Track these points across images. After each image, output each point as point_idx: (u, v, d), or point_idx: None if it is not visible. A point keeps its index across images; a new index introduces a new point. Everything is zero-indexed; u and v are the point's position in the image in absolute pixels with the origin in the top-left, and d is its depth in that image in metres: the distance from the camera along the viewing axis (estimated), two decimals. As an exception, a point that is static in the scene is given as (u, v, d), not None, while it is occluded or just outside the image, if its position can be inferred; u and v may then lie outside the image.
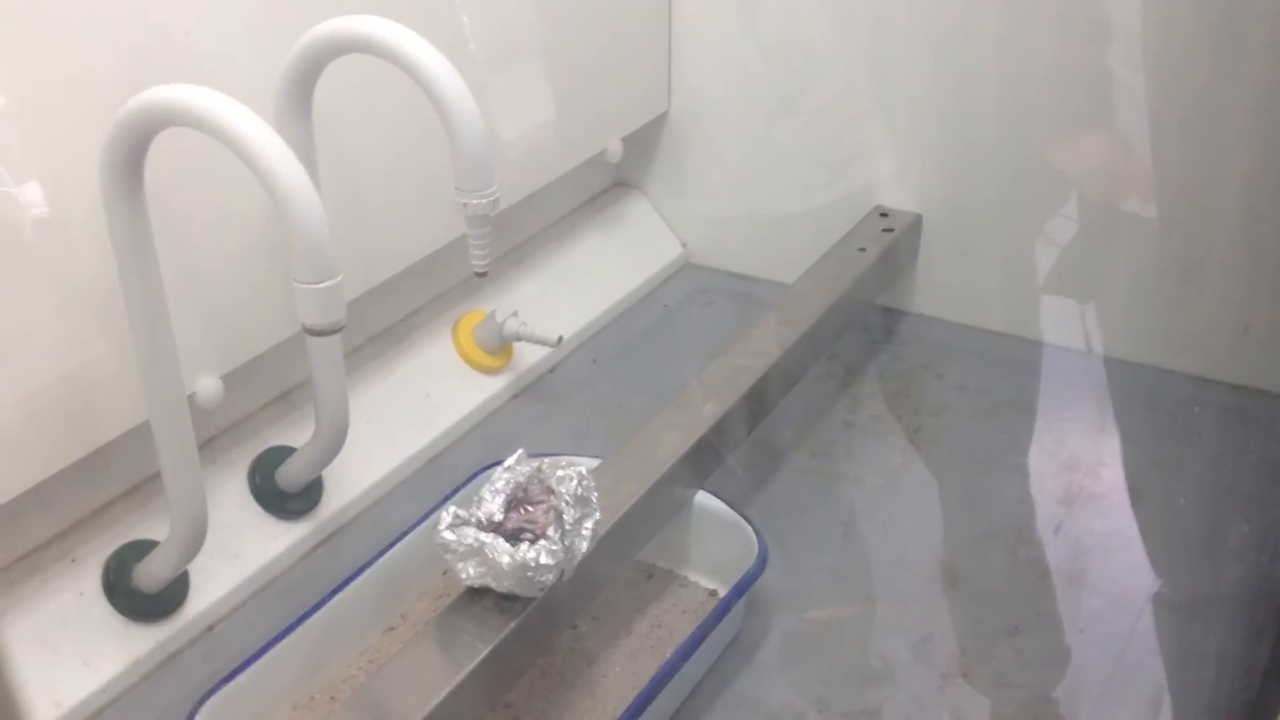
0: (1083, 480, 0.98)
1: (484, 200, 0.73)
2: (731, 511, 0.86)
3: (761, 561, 0.81)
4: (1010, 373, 1.12)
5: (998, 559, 0.90)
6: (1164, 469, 0.99)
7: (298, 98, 0.75)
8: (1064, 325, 1.13)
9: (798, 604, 0.86)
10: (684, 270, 1.30)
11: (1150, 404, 1.07)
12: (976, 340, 1.17)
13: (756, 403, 0.94)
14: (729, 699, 0.79)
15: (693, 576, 0.88)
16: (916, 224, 1.17)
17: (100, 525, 0.81)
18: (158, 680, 0.79)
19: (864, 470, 1.00)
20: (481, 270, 0.76)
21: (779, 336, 0.98)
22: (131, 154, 0.64)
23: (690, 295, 1.26)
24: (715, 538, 0.87)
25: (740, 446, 0.94)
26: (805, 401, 1.06)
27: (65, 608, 0.77)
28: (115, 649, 0.78)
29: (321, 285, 0.63)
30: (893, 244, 1.13)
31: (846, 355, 1.14)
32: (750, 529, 0.84)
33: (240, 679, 0.73)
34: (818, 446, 1.03)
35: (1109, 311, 1.12)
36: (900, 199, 1.18)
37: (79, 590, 0.78)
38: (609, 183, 1.30)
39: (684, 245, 1.30)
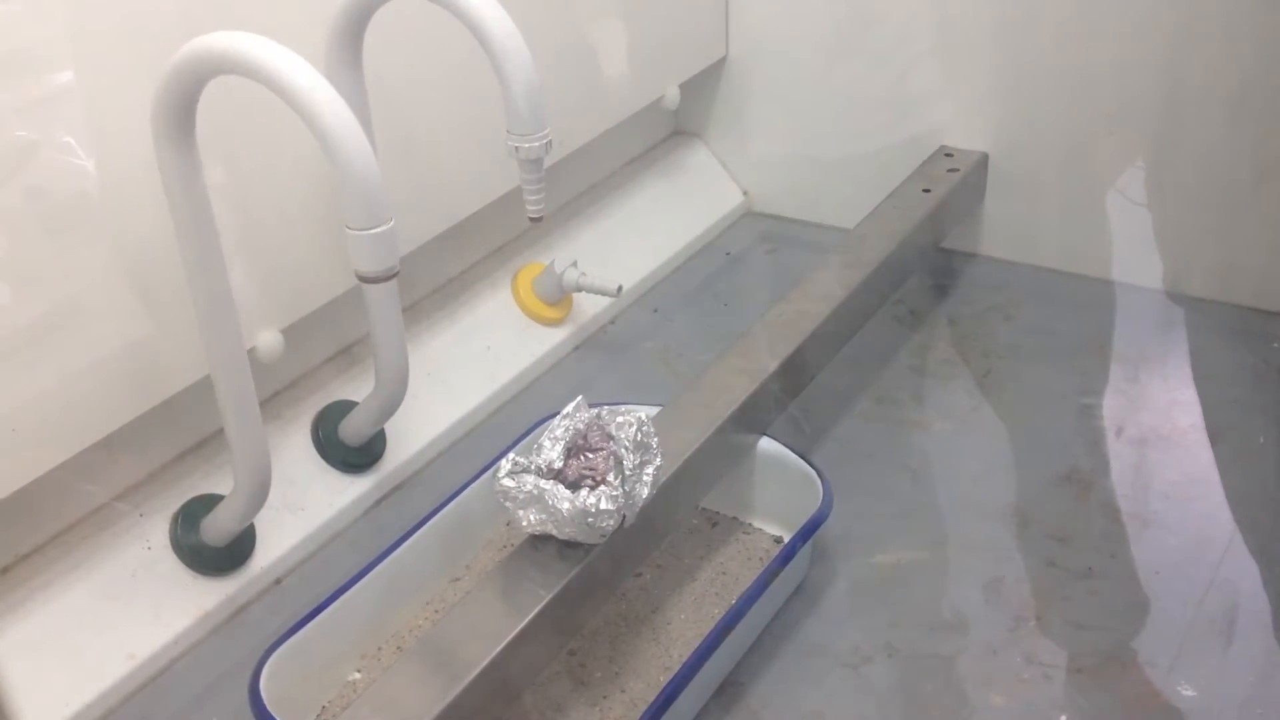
0: (1157, 421, 0.95)
1: (536, 144, 0.72)
2: (796, 457, 0.85)
3: (826, 506, 0.80)
4: (1081, 313, 1.09)
5: (1069, 502, 0.88)
6: (1241, 407, 0.96)
7: (347, 46, 0.74)
8: (1134, 263, 1.10)
9: (865, 549, 0.85)
10: (745, 218, 1.28)
11: (1226, 341, 1.04)
12: (1046, 281, 1.14)
13: (820, 348, 0.93)
14: (795, 645, 0.78)
15: (758, 523, 0.87)
16: (983, 163, 1.14)
17: (167, 480, 0.82)
18: (227, 632, 0.80)
19: (931, 415, 0.98)
20: (536, 215, 0.75)
21: (842, 280, 0.97)
22: (182, 103, 0.64)
23: (752, 243, 1.24)
24: (780, 484, 0.86)
25: (804, 392, 0.93)
26: (870, 346, 1.04)
27: (135, 561, 0.79)
28: (185, 602, 0.79)
29: (374, 231, 0.62)
30: (958, 184, 1.11)
31: (912, 299, 1.12)
32: (815, 474, 0.83)
33: (307, 630, 0.73)
34: (884, 392, 1.01)
35: (1180, 247, 1.08)
36: (966, 138, 1.15)
37: (147, 544, 0.79)
38: (668, 131, 1.28)
39: (745, 192, 1.28)
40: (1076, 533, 0.85)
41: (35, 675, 0.72)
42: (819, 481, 0.82)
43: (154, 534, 0.80)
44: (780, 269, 1.19)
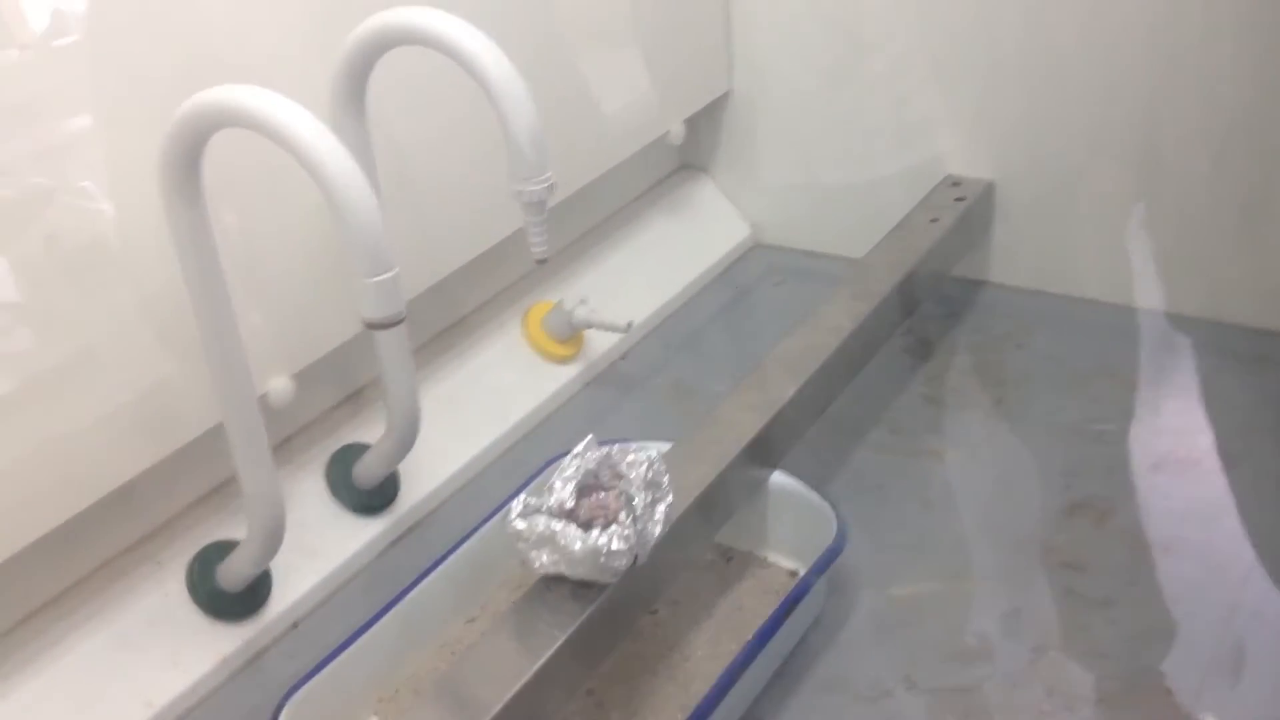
0: (1172, 446, 0.95)
1: (539, 187, 0.72)
2: (809, 491, 0.85)
3: (841, 539, 0.80)
4: (1095, 339, 1.08)
5: (1087, 530, 0.88)
6: (1261, 434, 0.96)
7: (351, 95, 0.75)
8: (1145, 287, 1.10)
9: (881, 581, 0.84)
10: (753, 250, 1.28)
11: (1246, 367, 1.03)
12: (1058, 307, 1.14)
13: (830, 379, 0.93)
14: (815, 679, 0.78)
15: (773, 558, 0.87)
16: (990, 191, 1.14)
17: (183, 527, 0.82)
18: (245, 677, 0.80)
19: (945, 444, 0.98)
20: (541, 258, 0.75)
21: (850, 311, 0.97)
22: (188, 156, 0.65)
23: (761, 275, 1.24)
24: (794, 518, 0.85)
25: (816, 425, 0.93)
26: (882, 377, 1.04)
27: (152, 609, 0.79)
28: (202, 648, 0.79)
29: (378, 279, 0.62)
30: (966, 213, 1.11)
31: (923, 328, 1.12)
32: (829, 507, 0.82)
33: (323, 675, 0.73)
34: (896, 422, 1.01)
35: (1190, 269, 1.08)
36: (972, 166, 1.15)
37: (164, 592, 0.80)
38: (673, 166, 1.29)
39: (752, 225, 1.29)
40: (1094, 561, 0.85)
41: (53, 726, 0.72)
42: (833, 514, 0.82)
43: (170, 581, 0.80)
44: (789, 301, 1.20)
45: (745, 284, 1.23)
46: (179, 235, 0.67)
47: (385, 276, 0.63)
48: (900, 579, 0.85)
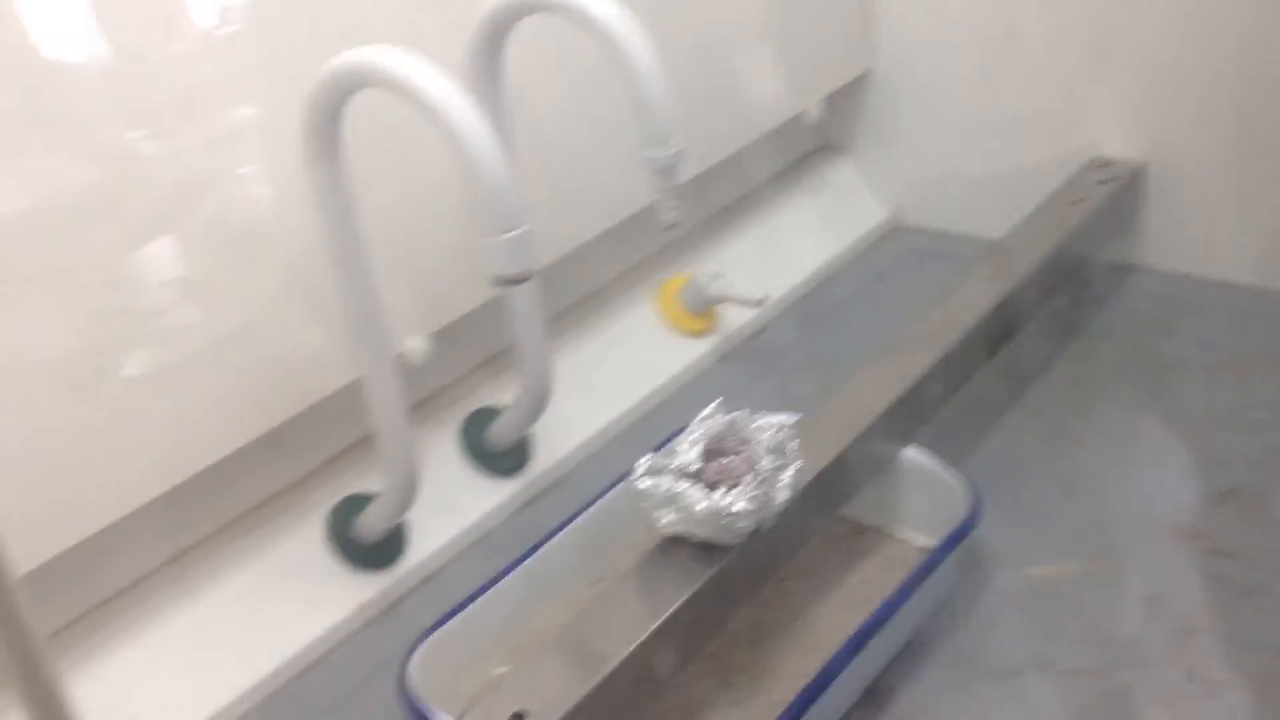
0: (1332, 433, 0.90)
1: (668, 153, 0.72)
2: (943, 467, 0.83)
3: (974, 515, 0.78)
4: (1247, 325, 1.04)
5: (1236, 518, 0.84)
6: None
7: (487, 60, 0.76)
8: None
9: (1018, 561, 0.82)
10: (893, 232, 1.26)
11: None
12: (1210, 293, 1.09)
13: (967, 357, 0.91)
14: (942, 655, 0.76)
15: (904, 534, 0.86)
16: (1141, 173, 1.11)
17: (325, 479, 0.85)
18: (381, 625, 0.82)
19: (1088, 428, 0.95)
20: (669, 223, 0.75)
21: (989, 289, 0.95)
22: (329, 116, 0.67)
23: (899, 257, 1.23)
24: (927, 494, 0.84)
25: (952, 403, 0.91)
26: (1023, 358, 1.01)
27: (294, 555, 0.82)
28: (341, 595, 0.82)
29: (507, 236, 0.63)
30: (1114, 195, 1.08)
31: (1067, 311, 1.09)
32: (963, 484, 0.81)
33: (453, 623, 0.75)
34: (1037, 404, 0.98)
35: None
36: (1122, 147, 1.11)
37: (306, 539, 0.82)
38: (812, 146, 1.28)
39: (891, 206, 1.27)
40: (1244, 549, 0.82)
41: (198, 662, 0.75)
42: (967, 491, 0.80)
43: (311, 530, 0.83)
44: (928, 283, 1.18)
45: (883, 265, 1.22)
46: (320, 193, 0.70)
47: (514, 233, 0.64)
48: (1037, 559, 0.83)
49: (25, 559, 0.66)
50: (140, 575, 0.77)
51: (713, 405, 0.74)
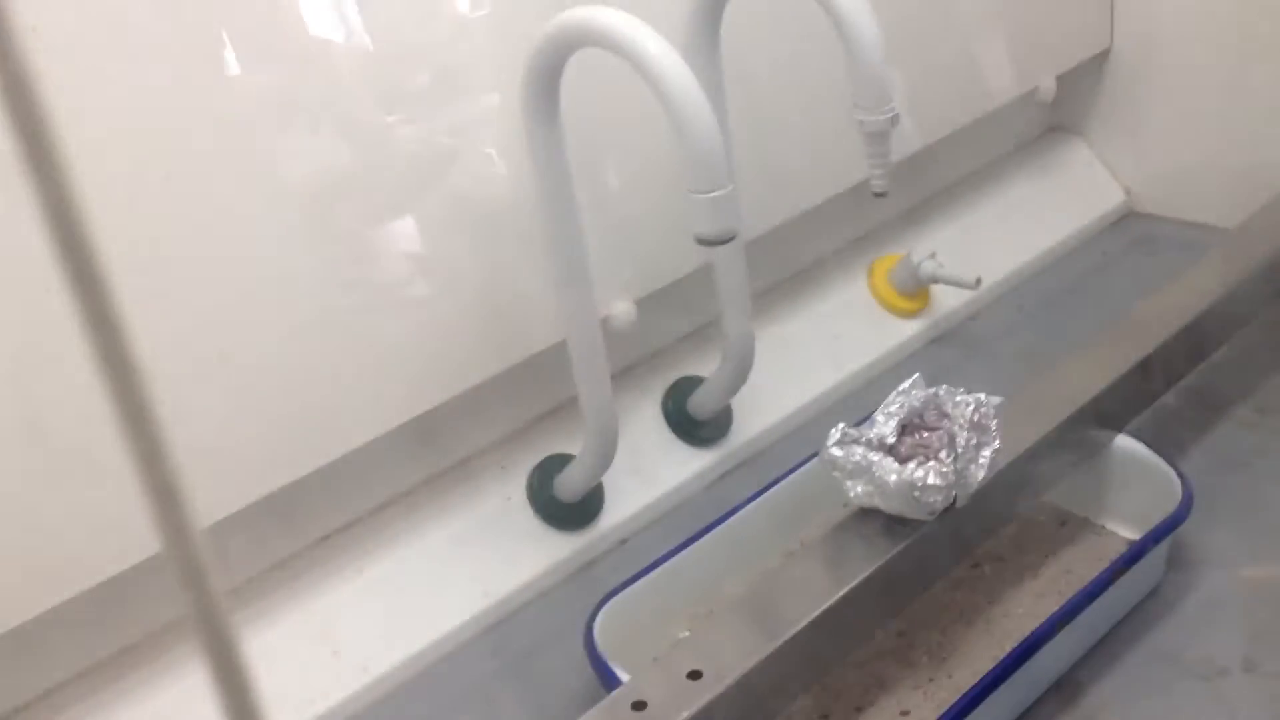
0: None
1: (881, 117, 0.72)
2: (1157, 457, 0.80)
3: (1185, 508, 0.75)
4: None
5: None
6: None
7: (705, 26, 0.77)
8: None
9: (1232, 560, 0.78)
10: (1126, 219, 1.21)
11: None
12: None
13: (1192, 345, 0.87)
14: (1143, 650, 0.73)
15: (1111, 525, 0.82)
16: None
17: (528, 439, 0.88)
18: (574, 583, 0.84)
19: (1324, 428, 0.89)
20: (879, 190, 0.75)
21: (1219, 277, 0.90)
22: (549, 75, 0.69)
23: (1131, 244, 1.17)
24: (1137, 485, 0.80)
25: (1171, 393, 0.87)
26: (1252, 352, 0.96)
27: (495, 510, 0.85)
28: (537, 551, 0.84)
29: (712, 195, 0.64)
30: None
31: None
32: (1175, 475, 0.77)
33: (640, 584, 0.76)
34: (1266, 401, 0.93)
35: None
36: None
37: (507, 495, 0.85)
38: (1043, 127, 1.24)
39: (1127, 192, 1.21)
40: None
41: (399, 605, 0.79)
42: (1179, 482, 0.77)
43: (513, 487, 0.86)
44: (1161, 271, 1.11)
45: (1114, 252, 1.17)
46: (535, 153, 0.72)
47: (720, 192, 0.64)
48: (1254, 560, 0.78)
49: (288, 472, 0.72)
50: (355, 517, 0.81)
51: (911, 379, 0.73)
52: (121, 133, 0.64)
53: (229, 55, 0.68)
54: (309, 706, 0.74)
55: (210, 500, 0.70)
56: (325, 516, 0.80)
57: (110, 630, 0.71)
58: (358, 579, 0.79)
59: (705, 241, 0.66)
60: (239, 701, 0.28)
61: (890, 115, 0.72)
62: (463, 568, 0.82)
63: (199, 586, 0.27)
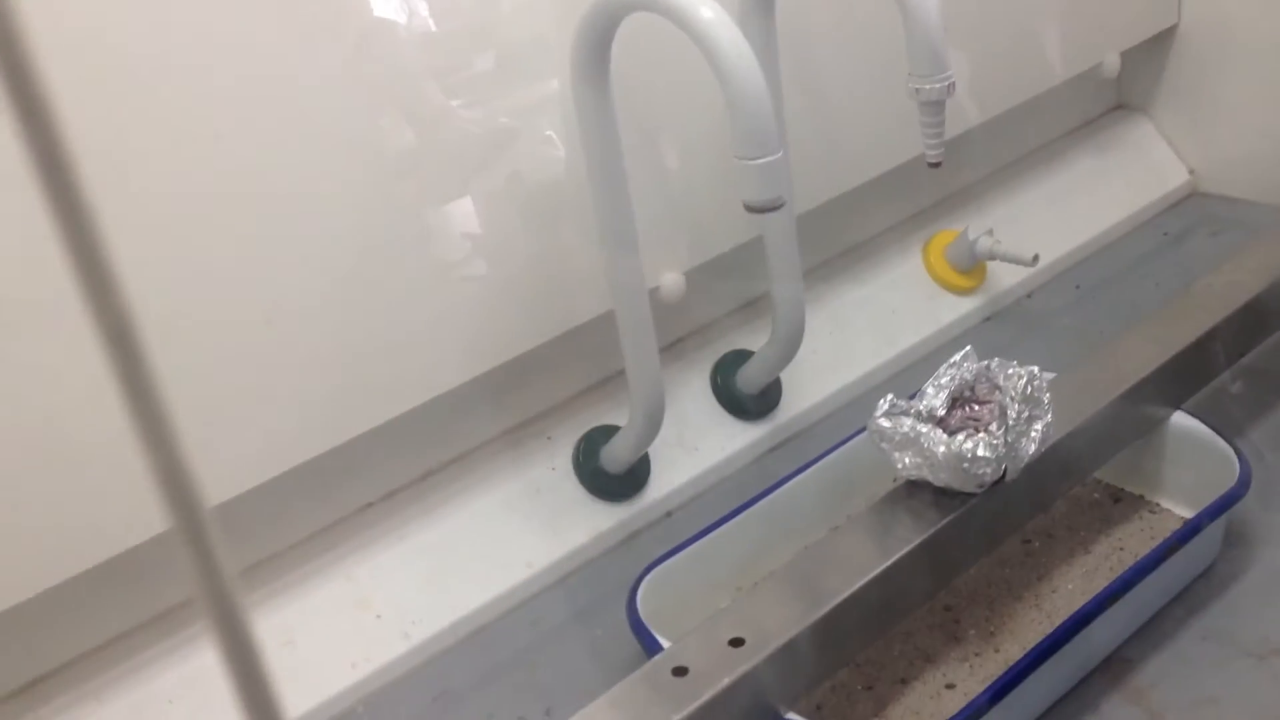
0: None
1: (937, 85, 0.71)
2: (1214, 435, 0.78)
3: (1242, 486, 0.73)
4: None
5: None
6: None
7: (758, -6, 0.77)
8: None
9: (1290, 541, 0.77)
10: (1190, 198, 1.19)
11: None
12: None
13: (1251, 323, 0.85)
14: (1195, 629, 0.72)
15: (1166, 503, 0.81)
16: None
17: (574, 409, 0.88)
18: (618, 554, 0.84)
19: (1392, 410, 0.87)
20: (935, 160, 0.74)
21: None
22: (599, 41, 0.69)
23: (1195, 224, 1.15)
24: (1194, 463, 0.79)
25: (1232, 369, 0.85)
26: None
27: (540, 480, 0.85)
28: (582, 522, 0.84)
29: (760, 161, 0.64)
30: None
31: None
32: (1234, 453, 0.76)
33: (683, 554, 0.76)
34: (1333, 381, 0.90)
35: None
36: None
37: (552, 465, 0.85)
38: (1107, 105, 1.22)
39: (1191, 171, 1.19)
40: None
41: (443, 571, 0.80)
42: (1238, 460, 0.75)
43: (559, 457, 0.86)
44: (1221, 252, 1.09)
45: (1177, 232, 1.14)
46: (584, 120, 0.72)
47: (768, 159, 0.64)
48: (1314, 542, 0.76)
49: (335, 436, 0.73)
50: (400, 485, 0.82)
51: (962, 352, 0.72)
52: (184, 103, 0.65)
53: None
54: (351, 670, 0.75)
55: (256, 465, 0.71)
56: (370, 483, 0.81)
57: (125, 605, 0.72)
58: (401, 545, 0.80)
59: (753, 208, 0.65)
60: (250, 678, 0.28)
61: (946, 84, 0.71)
62: (507, 536, 0.82)
63: (207, 561, 0.26)
